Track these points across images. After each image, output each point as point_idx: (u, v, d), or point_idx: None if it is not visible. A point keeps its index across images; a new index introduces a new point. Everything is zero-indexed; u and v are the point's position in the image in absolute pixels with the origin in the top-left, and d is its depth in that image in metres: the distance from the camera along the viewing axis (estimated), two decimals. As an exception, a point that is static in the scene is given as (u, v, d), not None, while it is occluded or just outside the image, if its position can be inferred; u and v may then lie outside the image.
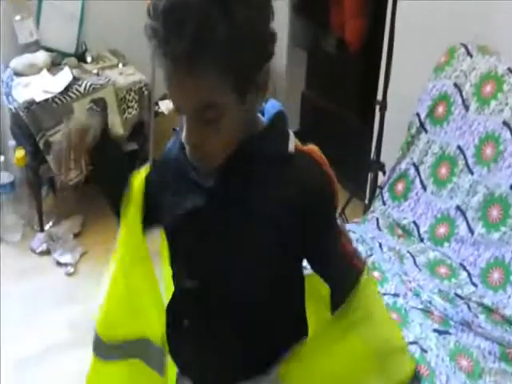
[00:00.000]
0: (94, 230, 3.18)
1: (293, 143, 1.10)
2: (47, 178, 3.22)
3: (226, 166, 1.06)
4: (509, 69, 2.19)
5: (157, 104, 3.23)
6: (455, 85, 2.30)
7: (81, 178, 3.05)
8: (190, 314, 1.22)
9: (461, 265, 2.11)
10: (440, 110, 2.33)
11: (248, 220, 1.08)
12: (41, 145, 2.92)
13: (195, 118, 1.00)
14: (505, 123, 2.12)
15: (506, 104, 2.14)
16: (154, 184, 1.23)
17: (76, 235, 3.17)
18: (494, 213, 2.08)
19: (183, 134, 1.04)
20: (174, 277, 1.25)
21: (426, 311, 1.96)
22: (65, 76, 3.01)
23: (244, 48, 0.96)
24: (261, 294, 1.13)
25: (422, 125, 2.36)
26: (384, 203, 2.39)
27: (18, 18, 3.04)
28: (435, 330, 1.88)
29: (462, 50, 2.35)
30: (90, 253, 3.08)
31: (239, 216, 1.09)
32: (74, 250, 3.08)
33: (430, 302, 1.98)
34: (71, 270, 2.97)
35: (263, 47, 1.00)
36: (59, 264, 3.01)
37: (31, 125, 2.91)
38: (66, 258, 3.03)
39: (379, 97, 2.53)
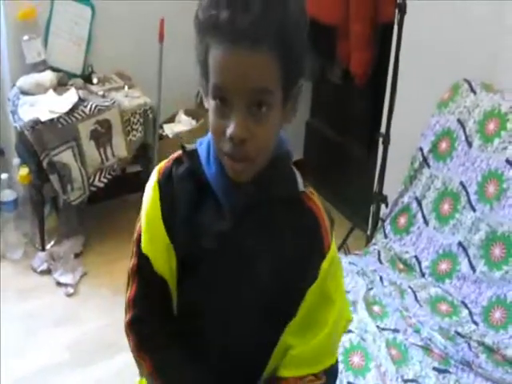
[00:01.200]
0: (96, 251, 3.14)
1: (301, 182, 1.13)
2: (50, 197, 3.19)
3: (254, 201, 1.09)
4: (512, 107, 2.17)
5: (161, 127, 3.20)
6: (459, 121, 2.27)
7: (84, 197, 3.03)
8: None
9: (462, 302, 2.07)
10: (443, 145, 2.30)
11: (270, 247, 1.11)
12: (45, 164, 2.89)
13: (247, 106, 0.98)
14: (508, 161, 2.09)
15: (510, 142, 2.11)
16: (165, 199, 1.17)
17: (77, 255, 3.12)
18: (497, 251, 2.04)
19: (216, 137, 1.02)
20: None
21: (426, 348, 1.91)
22: (71, 97, 2.99)
23: (296, 39, 0.99)
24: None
25: (425, 159, 2.33)
26: (386, 236, 2.35)
27: (26, 37, 3.02)
28: (435, 369, 1.84)
29: (466, 86, 2.32)
30: (91, 274, 3.03)
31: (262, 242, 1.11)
32: (75, 271, 3.03)
33: (431, 340, 1.94)
34: (71, 290, 2.92)
35: (305, 53, 1.03)
36: (59, 284, 2.96)
37: (36, 144, 2.88)
38: (67, 279, 2.98)
39: (382, 130, 2.50)
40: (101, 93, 3.08)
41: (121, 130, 3.04)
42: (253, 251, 1.11)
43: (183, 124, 3.23)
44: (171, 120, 3.29)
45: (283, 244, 1.11)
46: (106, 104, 3.00)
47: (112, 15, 3.16)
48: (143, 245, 1.15)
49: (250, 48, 0.95)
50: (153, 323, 1.19)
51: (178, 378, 1.17)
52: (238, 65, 0.97)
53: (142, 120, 3.06)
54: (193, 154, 1.12)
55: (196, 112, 3.27)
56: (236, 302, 1.14)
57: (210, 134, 1.08)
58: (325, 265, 1.12)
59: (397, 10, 2.36)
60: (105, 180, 3.05)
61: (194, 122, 3.24)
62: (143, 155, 3.14)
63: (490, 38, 2.36)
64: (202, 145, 1.13)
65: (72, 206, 3.08)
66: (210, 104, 1.03)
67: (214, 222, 1.11)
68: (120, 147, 3.05)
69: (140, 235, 1.16)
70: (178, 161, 1.14)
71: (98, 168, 3.03)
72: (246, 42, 0.95)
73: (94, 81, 3.17)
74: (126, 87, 3.12)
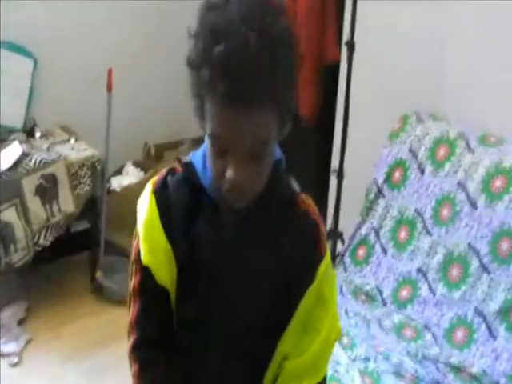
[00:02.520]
0: (40, 316, 3.15)
1: (296, 186, 1.26)
2: (-11, 262, 3.22)
3: (253, 207, 1.17)
4: (459, 133, 2.45)
5: (109, 181, 3.34)
6: (410, 150, 2.54)
7: (28, 258, 3.10)
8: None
9: (425, 326, 2.28)
10: (397, 175, 2.55)
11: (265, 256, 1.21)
12: None
13: (247, 156, 1.08)
14: (459, 184, 2.36)
15: (460, 166, 2.39)
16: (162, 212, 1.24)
17: (20, 322, 3.12)
18: (454, 272, 2.28)
19: (214, 173, 1.11)
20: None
21: (398, 374, 2.09)
22: (14, 150, 3.07)
23: (291, 79, 1.11)
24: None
25: (379, 190, 2.58)
26: (346, 270, 2.56)
27: (-39, 92, 3.14)
28: (409, 393, 2.02)
29: (415, 117, 2.60)
30: (36, 340, 3.02)
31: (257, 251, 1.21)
32: (19, 338, 3.02)
33: (401, 365, 2.11)
34: (15, 359, 2.92)
35: (295, 78, 1.14)
36: (2, 354, 2.97)
37: None
38: (10, 347, 2.98)
39: (335, 165, 2.74)
40: (45, 146, 3.18)
41: (67, 183, 3.14)
42: (252, 258, 1.21)
43: (131, 176, 3.39)
44: (119, 172, 3.45)
45: (282, 248, 1.21)
46: (52, 157, 3.08)
47: (56, 67, 3.33)
48: (143, 257, 1.22)
49: (246, 106, 1.04)
50: (156, 347, 1.25)
51: None
52: (235, 123, 1.06)
53: (89, 172, 3.17)
54: (188, 164, 1.22)
55: (144, 163, 3.45)
56: (237, 311, 1.23)
57: (204, 147, 1.19)
58: (322, 268, 1.22)
59: (345, 48, 2.64)
60: (51, 238, 3.10)
61: (142, 174, 3.41)
62: (91, 210, 3.25)
63: (434, 71, 2.68)
64: (195, 156, 1.23)
65: (13, 270, 3.09)
66: (207, 140, 1.12)
67: (212, 232, 1.20)
68: (67, 202, 3.15)
69: (139, 251, 1.23)
70: (171, 171, 1.24)
71: (44, 225, 3.09)
72: (242, 102, 1.03)
73: (37, 135, 3.28)
74: (72, 140, 3.26)
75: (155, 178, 1.25)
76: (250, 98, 1.03)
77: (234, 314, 1.23)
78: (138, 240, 1.24)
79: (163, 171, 1.25)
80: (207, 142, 1.12)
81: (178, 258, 1.21)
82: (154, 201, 1.21)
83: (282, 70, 1.07)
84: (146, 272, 1.22)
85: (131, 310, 1.27)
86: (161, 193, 1.22)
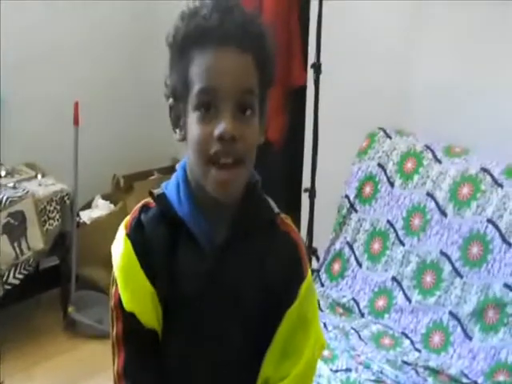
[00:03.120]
0: (11, 357, 3.14)
1: (275, 206, 1.31)
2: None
3: (232, 233, 1.23)
4: (426, 145, 2.64)
5: (78, 215, 3.43)
6: (379, 165, 2.71)
7: (-3, 298, 3.15)
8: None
9: (402, 333, 2.42)
10: (367, 189, 2.72)
11: (249, 277, 1.25)
12: None
13: (234, 108, 1.15)
14: (428, 194, 2.54)
15: (428, 176, 2.57)
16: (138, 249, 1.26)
17: (-9, 365, 3.19)
18: (428, 279, 2.44)
19: (202, 144, 1.16)
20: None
21: (379, 381, 2.21)
22: (-21, 191, 3.18)
23: (270, 47, 1.22)
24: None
25: (351, 205, 2.74)
26: (322, 285, 2.70)
27: None
28: (391, 399, 2.14)
29: (381, 133, 2.78)
30: (9, 382, 3.04)
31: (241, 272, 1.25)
32: None
33: (381, 372, 2.23)
34: (-12, 405, 2.97)
35: (274, 61, 1.24)
36: (-26, 400, 3.00)
37: None
38: (-20, 394, 3.03)
39: (306, 185, 2.89)
40: (11, 184, 3.26)
41: (36, 220, 3.20)
42: (236, 285, 1.24)
43: (101, 209, 3.49)
44: (87, 206, 3.55)
45: (265, 271, 1.25)
46: (19, 194, 3.14)
47: (19, 103, 3.40)
48: (126, 303, 1.22)
49: (237, 49, 1.16)
50: None
51: None
52: (226, 65, 1.16)
53: (58, 207, 3.23)
54: (162, 197, 1.25)
55: (113, 195, 3.55)
56: (225, 338, 1.26)
57: (177, 175, 1.26)
58: (303, 288, 1.25)
59: (312, 71, 2.81)
60: (20, 276, 3.13)
61: (112, 206, 3.51)
62: (60, 245, 3.32)
63: (398, 89, 2.88)
64: (168, 186, 1.27)
65: None
66: (191, 118, 1.18)
67: (194, 264, 1.23)
68: (36, 239, 3.21)
69: (119, 297, 1.24)
70: (144, 208, 1.26)
71: (12, 264, 3.11)
72: (233, 44, 1.15)
73: (2, 173, 3.35)
74: (39, 176, 3.35)
75: (128, 219, 1.27)
76: (239, 40, 1.15)
77: (222, 342, 1.26)
78: (117, 286, 1.25)
79: (136, 210, 1.27)
80: (192, 122, 1.18)
81: (161, 295, 1.23)
82: (129, 245, 1.23)
83: (266, 26, 1.22)
84: (130, 318, 1.23)
85: (116, 360, 1.26)
86: (135, 234, 1.24)
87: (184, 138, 1.22)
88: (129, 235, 1.24)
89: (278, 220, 1.30)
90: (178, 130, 1.24)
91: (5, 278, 3.12)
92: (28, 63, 3.42)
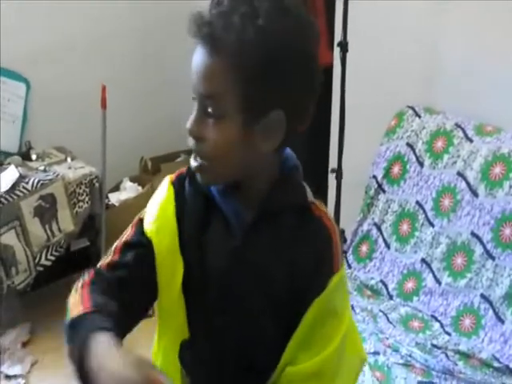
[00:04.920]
0: (44, 337, 3.16)
1: (310, 194, 1.24)
2: (-10, 285, 3.26)
3: (261, 214, 1.18)
4: (456, 124, 2.51)
5: (107, 197, 3.40)
6: (408, 144, 2.59)
7: (30, 280, 3.14)
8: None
9: (432, 316, 2.32)
10: (395, 169, 2.61)
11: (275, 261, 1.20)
12: None
13: (200, 104, 1.12)
14: (459, 174, 2.42)
15: (458, 156, 2.44)
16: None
17: (25, 344, 3.14)
18: (459, 261, 2.32)
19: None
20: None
21: (408, 365, 2.13)
22: (10, 174, 3.13)
23: (264, 62, 1.08)
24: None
25: (379, 186, 2.63)
26: (349, 266, 2.60)
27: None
28: (420, 383, 2.05)
29: (410, 112, 2.65)
30: (42, 361, 3.04)
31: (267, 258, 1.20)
32: (24, 361, 3.05)
33: (410, 356, 2.15)
34: (22, 382, 2.97)
35: (279, 84, 1.11)
36: (8, 377, 2.97)
37: None
38: (16, 370, 2.99)
39: (333, 165, 2.78)
40: (42, 168, 3.25)
41: (66, 203, 3.20)
42: (263, 266, 1.20)
43: (129, 191, 3.44)
44: (116, 189, 3.50)
45: (294, 256, 1.19)
46: (49, 178, 3.14)
47: (48, 89, 3.39)
48: (148, 228, 1.20)
49: (210, 50, 1.09)
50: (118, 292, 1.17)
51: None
52: (196, 64, 1.12)
53: (88, 190, 3.23)
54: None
55: (141, 178, 3.50)
56: (250, 319, 1.22)
57: None
58: (335, 278, 1.19)
59: (339, 49, 2.70)
60: (52, 258, 3.16)
61: (139, 188, 3.46)
62: (90, 227, 3.31)
63: (427, 66, 2.74)
64: None
65: (16, 292, 3.13)
66: None
67: (223, 240, 1.20)
68: (66, 221, 3.20)
69: (141, 219, 1.22)
70: (188, 172, 1.24)
71: (44, 246, 3.14)
72: (210, 44, 1.09)
73: (33, 157, 3.34)
74: (69, 159, 3.32)
75: (174, 174, 1.26)
76: (217, 41, 1.08)
77: (246, 322, 1.22)
78: (144, 214, 1.23)
79: (182, 169, 1.25)
80: None
81: (187, 268, 1.20)
82: (172, 191, 1.22)
83: (263, 34, 1.08)
84: (144, 238, 1.20)
85: (105, 260, 1.22)
86: (179, 187, 1.23)
87: None
88: (174, 184, 1.23)
89: (312, 207, 1.23)
90: None
91: (37, 260, 3.14)
92: (55, 49, 3.39)
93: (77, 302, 1.14)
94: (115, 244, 1.24)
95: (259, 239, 1.20)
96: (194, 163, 1.17)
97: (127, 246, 1.22)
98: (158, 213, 1.22)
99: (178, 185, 1.23)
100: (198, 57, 1.11)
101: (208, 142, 1.13)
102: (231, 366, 1.25)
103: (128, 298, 1.17)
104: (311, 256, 1.19)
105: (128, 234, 1.24)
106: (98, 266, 1.23)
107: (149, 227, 1.21)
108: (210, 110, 1.11)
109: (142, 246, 1.21)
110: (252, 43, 1.07)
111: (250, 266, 1.20)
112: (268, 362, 1.22)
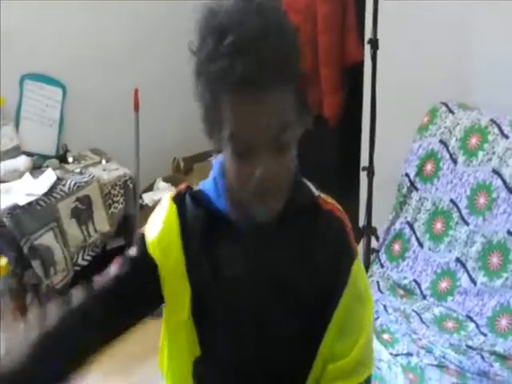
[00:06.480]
0: None
1: (313, 188, 1.22)
2: (31, 286, 3.27)
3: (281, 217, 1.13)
4: (491, 120, 2.38)
5: (141, 197, 3.39)
6: (441, 141, 2.48)
7: (67, 280, 3.14)
8: None
9: (467, 316, 2.21)
10: (428, 167, 2.50)
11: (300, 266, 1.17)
12: (25, 250, 2.97)
13: (272, 146, 1.04)
14: (494, 171, 2.30)
15: (493, 153, 2.32)
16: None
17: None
18: (494, 260, 2.21)
19: (239, 183, 1.07)
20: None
21: (442, 367, 2.03)
22: (48, 177, 3.15)
23: (299, 65, 1.07)
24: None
25: (412, 184, 2.52)
26: (382, 266, 2.50)
27: (-4, 125, 3.22)
28: (454, 385, 1.96)
29: (444, 108, 2.54)
30: None
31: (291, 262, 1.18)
32: None
33: (444, 357, 2.06)
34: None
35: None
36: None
37: (15, 230, 2.98)
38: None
39: (365, 163, 2.70)
40: (78, 170, 3.27)
41: (101, 204, 3.20)
42: (279, 270, 1.17)
43: (162, 191, 3.42)
44: (149, 189, 3.48)
45: (311, 255, 1.17)
46: (85, 180, 3.17)
47: (83, 93, 3.41)
48: (152, 249, 1.17)
49: (264, 89, 1.01)
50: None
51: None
52: (254, 107, 1.02)
53: (122, 191, 3.24)
54: (199, 193, 1.19)
55: (174, 178, 3.48)
56: (271, 324, 1.18)
57: (214, 171, 1.18)
58: (355, 266, 1.18)
59: (369, 47, 2.61)
60: (88, 258, 3.17)
61: (173, 188, 3.43)
62: (125, 228, 3.29)
63: (460, 61, 2.63)
64: (205, 184, 1.20)
65: (55, 291, 3.16)
66: (225, 149, 1.07)
67: (236, 251, 1.17)
68: (102, 222, 3.21)
69: (143, 235, 1.19)
70: (190, 189, 1.21)
71: (81, 246, 3.16)
72: (260, 85, 1.00)
73: (70, 160, 3.36)
74: (104, 161, 3.32)
75: (173, 192, 1.23)
76: (265, 80, 1.00)
77: (268, 327, 1.18)
78: (145, 232, 1.20)
79: (182, 187, 1.22)
80: (226, 154, 1.07)
81: (196, 284, 1.17)
82: (173, 207, 1.19)
83: (291, 51, 1.05)
84: (149, 258, 1.17)
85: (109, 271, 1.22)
86: (181, 203, 1.20)
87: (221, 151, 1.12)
88: (175, 199, 1.20)
89: (319, 201, 1.21)
90: (213, 141, 1.12)
91: (74, 260, 3.16)
92: (88, 55, 3.42)
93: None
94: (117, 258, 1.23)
95: (271, 244, 1.17)
96: (268, 201, 1.09)
97: (128, 260, 1.21)
98: (162, 231, 1.18)
99: (179, 202, 1.20)
100: (257, 100, 1.02)
101: (285, 171, 1.08)
102: (252, 374, 1.22)
103: (120, 309, 1.20)
104: (329, 251, 1.17)
105: (131, 250, 1.22)
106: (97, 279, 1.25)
107: (153, 249, 1.18)
108: (283, 142, 1.05)
109: (142, 264, 1.19)
110: (290, 62, 1.05)
111: (264, 273, 1.17)
112: (288, 364, 1.20)
